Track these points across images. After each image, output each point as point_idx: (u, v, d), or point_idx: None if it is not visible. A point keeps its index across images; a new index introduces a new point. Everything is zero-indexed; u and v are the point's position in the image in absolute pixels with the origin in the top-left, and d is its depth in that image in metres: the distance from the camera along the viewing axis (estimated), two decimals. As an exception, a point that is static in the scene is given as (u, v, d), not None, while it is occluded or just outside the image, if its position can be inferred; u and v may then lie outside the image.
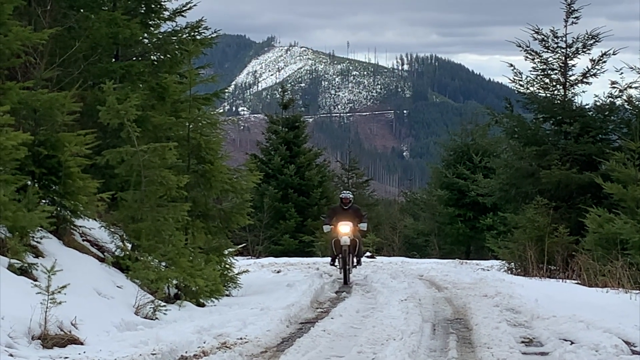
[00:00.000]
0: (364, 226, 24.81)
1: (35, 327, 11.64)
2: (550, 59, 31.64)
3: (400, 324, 14.49)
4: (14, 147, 14.05)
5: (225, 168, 21.07)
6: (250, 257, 37.18)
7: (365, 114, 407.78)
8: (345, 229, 24.00)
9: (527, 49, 31.68)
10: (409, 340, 12.61)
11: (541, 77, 31.82)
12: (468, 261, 37.45)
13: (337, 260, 24.55)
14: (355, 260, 24.49)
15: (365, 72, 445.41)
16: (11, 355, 10.30)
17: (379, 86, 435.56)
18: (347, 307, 17.51)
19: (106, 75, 19.66)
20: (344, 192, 26.30)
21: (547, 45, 31.62)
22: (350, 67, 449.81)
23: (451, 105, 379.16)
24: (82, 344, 12.01)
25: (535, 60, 31.77)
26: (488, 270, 29.43)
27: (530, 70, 31.87)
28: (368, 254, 39.00)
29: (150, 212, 17.40)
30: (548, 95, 31.85)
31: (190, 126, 20.17)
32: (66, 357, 10.63)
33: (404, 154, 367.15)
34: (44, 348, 11.41)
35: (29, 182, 15.63)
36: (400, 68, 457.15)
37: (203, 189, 20.44)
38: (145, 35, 22.20)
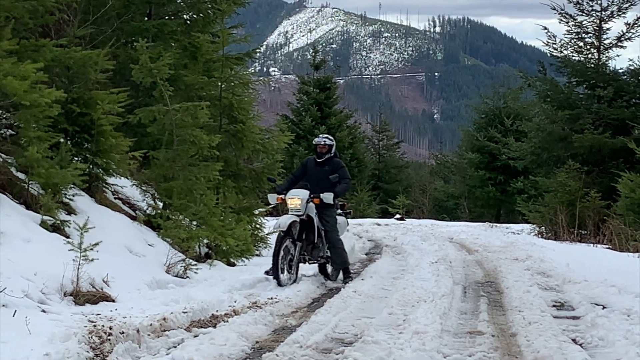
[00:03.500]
0: (327, 197, 15.42)
1: (68, 283, 11.69)
2: (584, 22, 31.44)
3: (431, 286, 14.47)
4: (47, 105, 14.08)
5: (257, 128, 21.05)
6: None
7: (396, 76, 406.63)
8: (294, 201, 15.46)
9: (562, 11, 31.45)
10: (440, 303, 12.59)
11: (575, 40, 31.63)
12: (498, 225, 37.36)
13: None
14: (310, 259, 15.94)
15: (396, 34, 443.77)
16: (43, 311, 10.36)
17: (411, 48, 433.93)
18: (377, 268, 17.50)
19: (139, 33, 19.62)
20: (320, 135, 16.64)
21: (581, 8, 31.39)
22: (382, 29, 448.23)
23: (483, 68, 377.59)
24: (113, 301, 12.07)
25: (570, 24, 31.56)
26: (518, 234, 29.41)
27: (564, 34, 31.69)
28: (397, 216, 38.88)
29: (182, 171, 17.43)
30: (582, 58, 31.66)
31: (223, 86, 20.15)
32: (98, 314, 10.68)
33: (435, 116, 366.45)
34: (76, 305, 11.47)
35: (62, 140, 15.67)
36: (432, 30, 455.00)
37: (234, 148, 20.44)
38: (178, -7, 22.16)
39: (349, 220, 17.53)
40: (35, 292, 10.91)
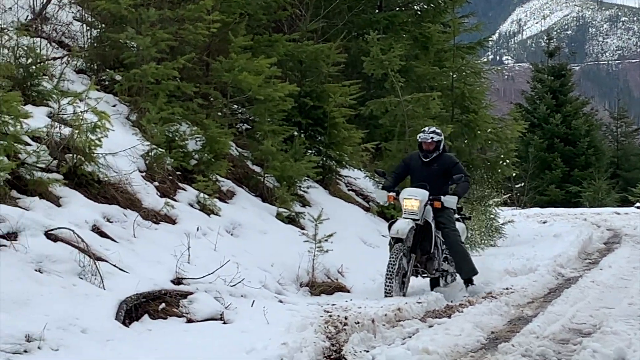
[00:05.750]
0: (450, 201, 12.81)
1: (303, 274, 11.88)
2: None
3: (674, 276, 13.91)
4: (281, 99, 14.37)
5: (490, 117, 20.84)
6: (515, 207, 36.74)
7: (634, 61, 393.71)
8: (411, 202, 12.67)
9: None
10: (684, 293, 12.06)
11: None
12: None
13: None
14: (431, 271, 12.97)
15: (635, 18, 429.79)
16: (280, 301, 10.52)
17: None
18: (616, 258, 16.97)
19: (370, 26, 19.77)
20: (425, 130, 13.40)
21: None
22: (619, 13, 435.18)
23: None
24: (348, 291, 12.16)
25: None
26: None
27: None
28: (638, 204, 37.60)
29: (414, 161, 17.42)
30: None
31: (454, 76, 20.05)
32: (333, 304, 10.75)
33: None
34: (311, 295, 11.63)
35: (296, 133, 15.95)
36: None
37: (467, 138, 20.28)
38: (409, -16, 22.22)
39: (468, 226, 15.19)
40: (272, 283, 11.14)
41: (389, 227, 12.43)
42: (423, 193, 12.59)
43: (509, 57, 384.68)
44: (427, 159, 13.05)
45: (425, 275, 12.99)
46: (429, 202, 12.65)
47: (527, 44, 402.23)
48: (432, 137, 13.05)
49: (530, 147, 43.64)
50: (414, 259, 12.50)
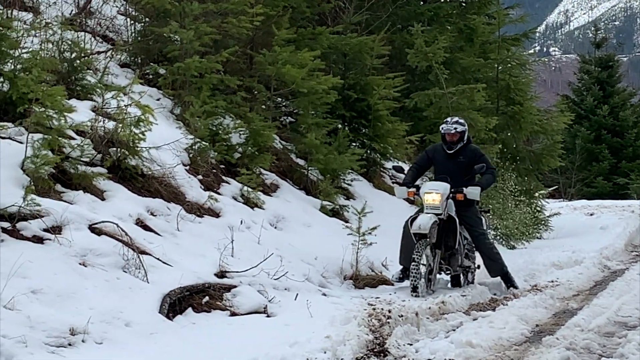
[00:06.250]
0: (473, 193, 12.12)
1: (347, 267, 11.86)
2: None
3: None
4: (325, 92, 14.36)
5: (535, 109, 20.71)
6: (561, 199, 36.49)
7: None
8: (432, 196, 11.93)
9: None
10: None
11: None
12: None
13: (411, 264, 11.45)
14: (452, 269, 12.34)
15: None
16: (324, 294, 10.53)
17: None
18: (665, 250, 16.83)
19: (414, 18, 19.69)
20: (447, 120, 12.62)
21: None
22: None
23: None
24: (392, 284, 12.12)
25: None
26: None
27: None
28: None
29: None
30: None
31: (499, 67, 19.95)
32: (377, 297, 10.74)
33: None
34: (355, 288, 11.62)
35: (340, 126, 15.95)
36: None
37: (512, 130, 20.16)
38: (454, -24, 22.09)
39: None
40: (315, 276, 11.15)
41: (410, 223, 11.72)
42: (445, 186, 11.97)
43: (556, 49, 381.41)
44: (452, 151, 12.36)
45: (449, 272, 12.39)
46: (451, 194, 12.03)
47: (574, 35, 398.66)
48: (455, 128, 12.32)
49: (577, 139, 43.27)
50: (439, 255, 11.91)
